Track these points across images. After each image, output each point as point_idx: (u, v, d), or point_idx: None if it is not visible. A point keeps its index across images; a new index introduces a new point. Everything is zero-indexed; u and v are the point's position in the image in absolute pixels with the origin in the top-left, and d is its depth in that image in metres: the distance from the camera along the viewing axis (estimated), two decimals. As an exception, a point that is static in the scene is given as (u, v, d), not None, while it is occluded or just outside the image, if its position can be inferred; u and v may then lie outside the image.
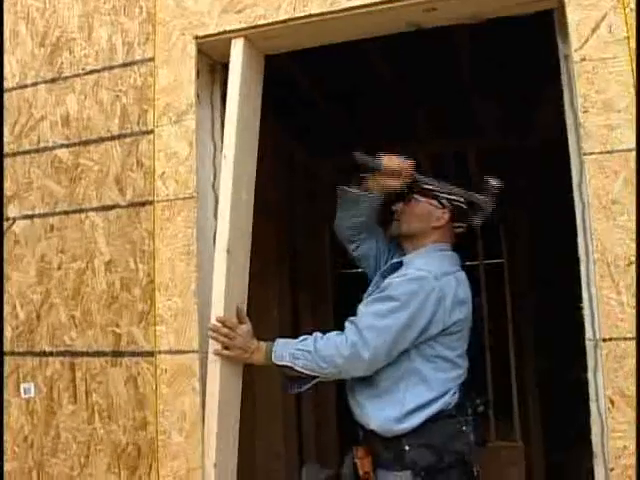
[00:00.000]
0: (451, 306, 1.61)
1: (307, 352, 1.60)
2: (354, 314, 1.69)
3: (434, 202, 1.77)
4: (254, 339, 1.65)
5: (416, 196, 1.78)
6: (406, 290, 1.60)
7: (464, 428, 1.65)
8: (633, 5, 1.41)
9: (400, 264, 1.75)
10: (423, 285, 1.60)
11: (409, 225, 1.79)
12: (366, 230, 1.92)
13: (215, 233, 1.65)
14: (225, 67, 1.77)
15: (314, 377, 1.62)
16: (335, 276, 4.18)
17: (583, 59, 1.42)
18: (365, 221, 1.90)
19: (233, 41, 1.72)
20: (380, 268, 1.91)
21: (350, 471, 1.75)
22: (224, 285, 1.60)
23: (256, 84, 1.79)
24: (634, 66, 1.38)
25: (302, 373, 1.61)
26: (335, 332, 1.64)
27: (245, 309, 1.69)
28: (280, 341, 1.67)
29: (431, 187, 1.77)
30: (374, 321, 1.59)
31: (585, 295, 1.46)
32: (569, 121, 1.51)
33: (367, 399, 1.68)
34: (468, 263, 3.93)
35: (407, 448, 1.60)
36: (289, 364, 1.60)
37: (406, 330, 1.58)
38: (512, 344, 3.91)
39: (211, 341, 1.60)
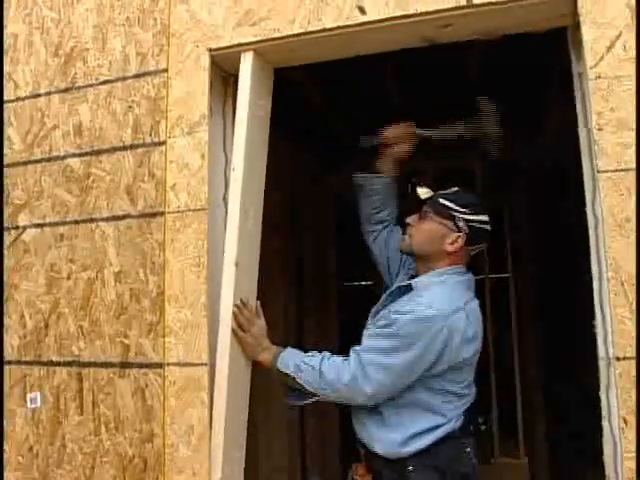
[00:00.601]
0: (459, 345, 1.56)
1: (312, 368, 1.60)
2: (359, 331, 1.69)
3: (449, 223, 1.67)
4: (267, 338, 1.67)
5: (431, 214, 1.69)
6: (412, 330, 1.54)
7: (468, 449, 1.64)
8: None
9: (409, 288, 1.71)
10: (430, 327, 1.53)
11: (420, 245, 1.72)
12: (383, 224, 1.92)
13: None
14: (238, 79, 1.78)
15: (314, 394, 1.62)
16: (341, 289, 4.17)
17: (598, 77, 1.42)
18: (381, 209, 1.91)
19: (243, 54, 1.72)
20: (391, 269, 1.91)
21: None
22: (232, 298, 1.60)
23: (266, 97, 1.80)
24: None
25: (303, 387, 1.61)
26: (342, 357, 1.63)
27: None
28: (290, 349, 1.68)
29: (449, 205, 1.68)
30: (377, 357, 1.57)
31: (598, 313, 1.45)
32: (582, 138, 1.51)
33: (372, 423, 1.66)
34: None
35: (411, 469, 1.58)
36: (292, 374, 1.61)
37: (410, 369, 1.56)
38: (517, 360, 3.89)
39: (224, 327, 1.61)
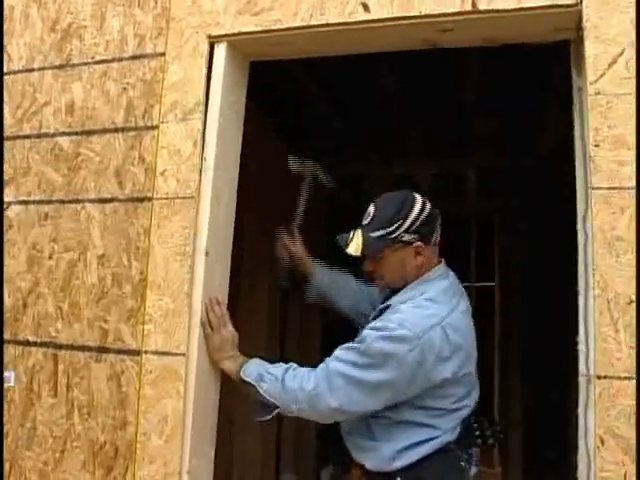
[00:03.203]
0: (433, 364, 1.46)
1: (275, 378, 1.53)
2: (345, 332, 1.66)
3: (398, 246, 1.56)
4: (235, 347, 1.63)
5: (379, 254, 1.58)
6: (382, 350, 1.45)
7: (462, 464, 1.56)
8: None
9: (387, 308, 1.62)
10: (399, 348, 1.43)
11: (395, 280, 1.63)
12: (362, 300, 1.93)
13: (211, 235, 1.64)
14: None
15: (276, 407, 1.54)
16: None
17: (597, 93, 1.41)
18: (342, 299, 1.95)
19: (216, 45, 1.71)
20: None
21: None
22: (202, 288, 1.59)
23: (241, 90, 1.80)
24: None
25: (264, 398, 1.54)
26: (307, 368, 1.56)
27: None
28: (256, 360, 1.62)
29: (383, 234, 1.55)
30: (346, 369, 1.48)
31: (582, 330, 1.44)
32: (578, 153, 1.50)
33: (363, 441, 1.60)
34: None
35: None
36: (253, 383, 1.54)
37: (381, 389, 1.46)
38: (498, 369, 3.91)
39: (195, 318, 1.60)
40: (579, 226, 1.48)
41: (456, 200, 3.66)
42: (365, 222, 1.60)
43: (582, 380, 1.43)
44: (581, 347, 1.44)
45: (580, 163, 1.49)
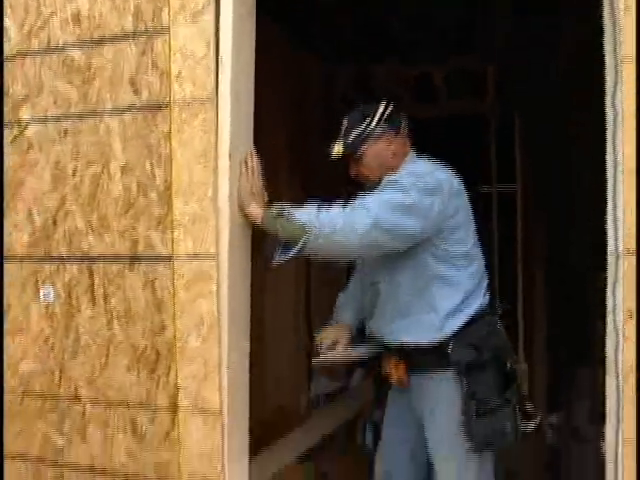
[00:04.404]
0: (449, 195, 1.65)
1: (307, 212, 1.58)
2: None
3: (371, 141, 1.75)
4: (264, 201, 1.64)
5: (358, 153, 1.76)
6: (404, 181, 1.63)
7: (498, 326, 1.74)
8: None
9: None
10: (419, 179, 1.63)
11: (374, 174, 1.77)
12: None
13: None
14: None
15: (302, 239, 1.54)
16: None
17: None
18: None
19: None
20: None
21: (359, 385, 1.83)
22: (228, 189, 1.60)
23: None
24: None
25: (293, 230, 1.55)
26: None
27: None
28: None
29: (358, 132, 1.76)
30: (376, 195, 1.64)
31: (610, 206, 1.43)
32: (607, 23, 1.43)
33: (396, 318, 1.72)
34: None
35: (450, 350, 1.66)
36: (285, 215, 1.56)
37: (410, 212, 1.58)
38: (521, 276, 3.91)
39: (224, 218, 1.61)
40: (608, 101, 1.44)
41: (474, 98, 3.56)
42: (342, 133, 1.80)
43: (611, 258, 1.44)
44: (609, 224, 1.44)
45: (609, 34, 1.42)
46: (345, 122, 1.81)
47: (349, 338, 1.90)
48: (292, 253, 1.56)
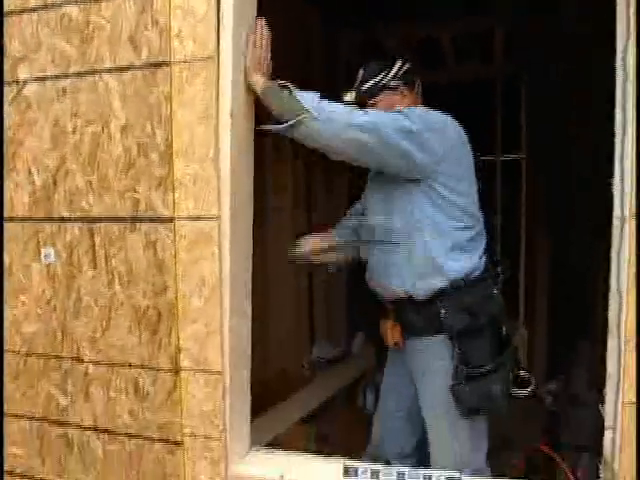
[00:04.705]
0: (452, 140, 1.68)
1: (310, 94, 1.59)
2: None
3: (387, 92, 1.81)
4: (269, 75, 1.64)
5: (371, 101, 1.81)
6: (411, 113, 1.66)
7: (494, 291, 1.71)
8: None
9: None
10: (427, 115, 1.69)
11: None
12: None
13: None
14: None
15: (298, 122, 1.56)
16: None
17: None
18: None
19: None
20: None
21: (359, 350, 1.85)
22: (229, 149, 1.57)
23: None
24: None
25: (295, 103, 1.56)
26: None
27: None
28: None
29: (374, 82, 1.82)
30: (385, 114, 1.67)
31: (617, 170, 1.41)
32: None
33: (391, 266, 1.72)
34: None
35: (443, 312, 1.65)
36: (291, 87, 1.58)
37: (409, 137, 1.59)
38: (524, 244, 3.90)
39: (225, 178, 1.60)
40: (618, 62, 1.40)
41: (480, 62, 3.50)
42: (357, 82, 1.86)
43: (616, 222, 1.43)
44: (616, 188, 1.42)
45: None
46: (361, 72, 1.87)
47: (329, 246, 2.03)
48: (286, 126, 1.57)
